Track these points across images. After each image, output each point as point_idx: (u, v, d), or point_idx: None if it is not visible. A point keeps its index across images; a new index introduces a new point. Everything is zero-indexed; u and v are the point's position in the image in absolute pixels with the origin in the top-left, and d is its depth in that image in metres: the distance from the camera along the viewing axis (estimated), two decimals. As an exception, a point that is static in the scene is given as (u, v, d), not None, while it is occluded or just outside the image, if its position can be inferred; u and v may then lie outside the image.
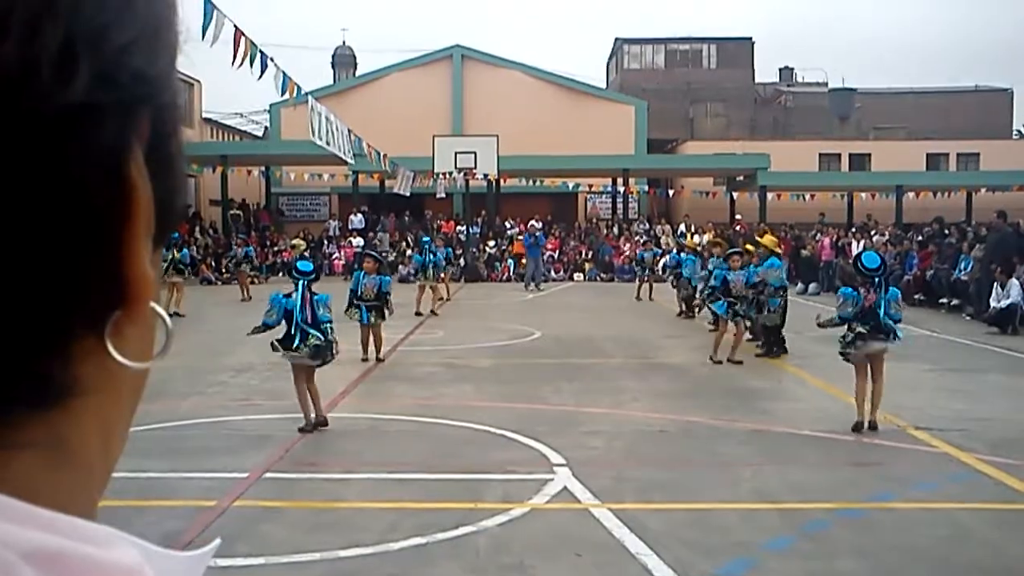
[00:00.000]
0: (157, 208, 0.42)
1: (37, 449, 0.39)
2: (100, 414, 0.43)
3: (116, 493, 6.31)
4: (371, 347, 12.69)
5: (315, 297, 8.67)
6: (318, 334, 8.58)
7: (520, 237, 30.63)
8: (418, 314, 18.39)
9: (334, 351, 8.75)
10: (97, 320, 0.40)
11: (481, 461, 7.57)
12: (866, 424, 8.55)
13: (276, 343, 8.62)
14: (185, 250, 20.97)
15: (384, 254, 13.72)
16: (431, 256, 19.41)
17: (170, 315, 0.45)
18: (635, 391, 10.70)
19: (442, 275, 21.26)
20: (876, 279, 8.65)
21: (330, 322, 8.79)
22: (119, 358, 0.41)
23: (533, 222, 29.51)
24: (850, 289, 8.83)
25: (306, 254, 28.19)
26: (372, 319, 12.58)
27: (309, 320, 8.55)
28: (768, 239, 14.67)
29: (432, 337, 15.61)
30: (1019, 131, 53.37)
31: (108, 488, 0.46)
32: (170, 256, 19.27)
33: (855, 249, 26.52)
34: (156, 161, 0.42)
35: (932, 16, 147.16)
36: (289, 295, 8.68)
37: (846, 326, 8.69)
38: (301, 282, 8.67)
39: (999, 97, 52.59)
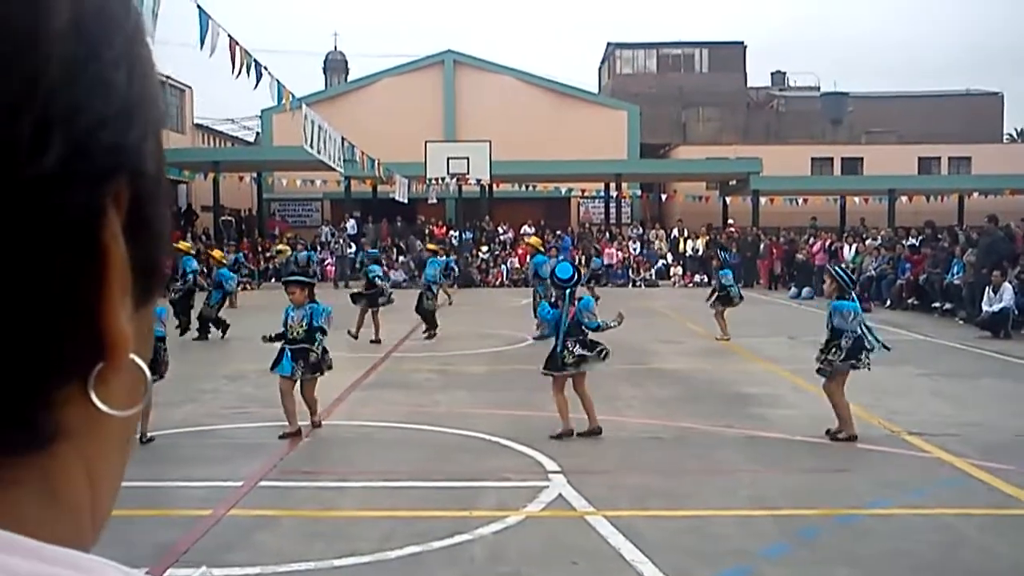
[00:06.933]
0: (138, 268, 0.45)
1: (23, 487, 0.42)
2: (86, 457, 0.45)
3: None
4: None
5: (314, 310, 8.53)
6: (311, 347, 8.48)
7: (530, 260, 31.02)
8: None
9: (326, 364, 8.63)
10: (80, 371, 0.43)
11: (476, 468, 7.56)
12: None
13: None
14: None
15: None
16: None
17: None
18: (630, 397, 10.70)
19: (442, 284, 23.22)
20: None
21: (323, 332, 8.71)
22: (101, 406, 0.43)
23: (526, 227, 29.48)
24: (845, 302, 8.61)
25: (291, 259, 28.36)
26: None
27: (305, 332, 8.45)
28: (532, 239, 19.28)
29: (425, 343, 15.60)
30: (1010, 135, 53.63)
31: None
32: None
33: (847, 253, 26.62)
34: (136, 225, 0.45)
35: (924, 20, 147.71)
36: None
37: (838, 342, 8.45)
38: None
39: (990, 101, 52.78)
